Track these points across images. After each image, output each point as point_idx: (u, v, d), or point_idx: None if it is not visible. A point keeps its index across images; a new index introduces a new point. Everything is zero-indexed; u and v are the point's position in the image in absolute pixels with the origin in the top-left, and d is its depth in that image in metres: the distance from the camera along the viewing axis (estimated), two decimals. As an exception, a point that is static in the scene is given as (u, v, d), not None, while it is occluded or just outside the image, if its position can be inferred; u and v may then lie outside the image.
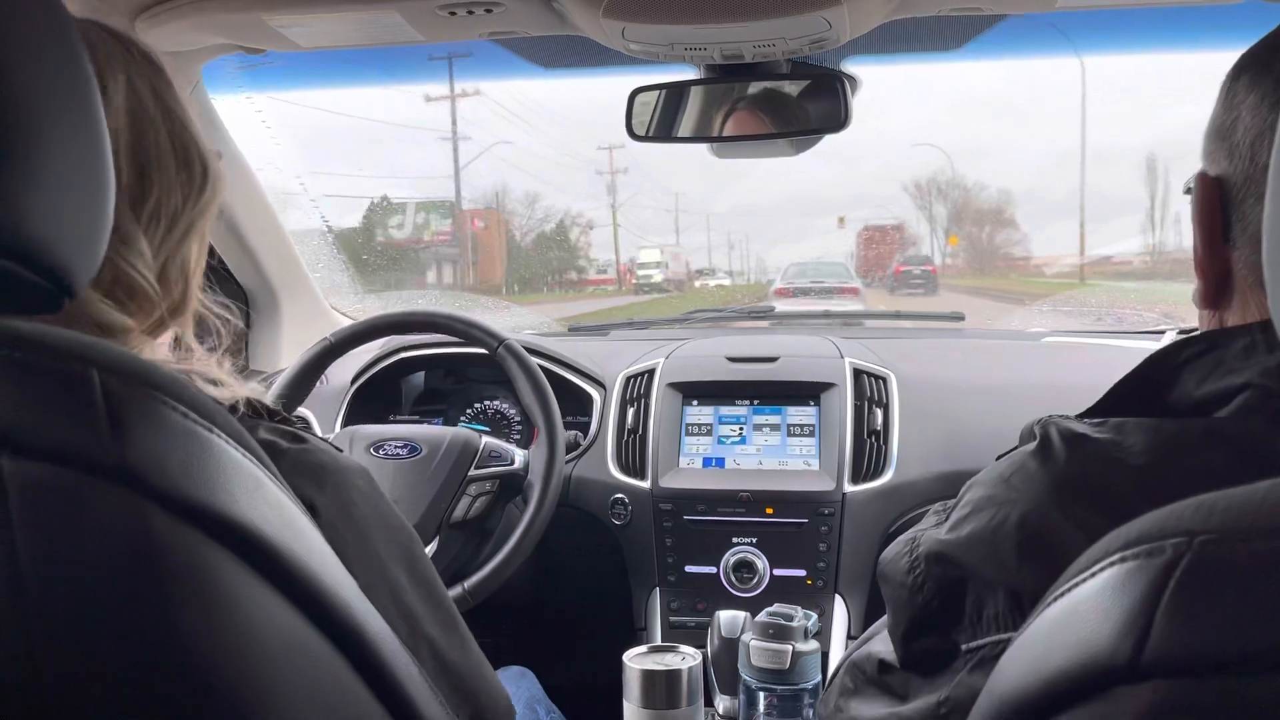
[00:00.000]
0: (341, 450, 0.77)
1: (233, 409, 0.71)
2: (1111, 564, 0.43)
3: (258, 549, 0.51)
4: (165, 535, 0.48)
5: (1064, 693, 0.42)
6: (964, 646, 0.68)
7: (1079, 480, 0.63)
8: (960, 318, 2.31)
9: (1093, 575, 0.44)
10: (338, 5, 1.16)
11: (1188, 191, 0.73)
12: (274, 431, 0.73)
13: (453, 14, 1.19)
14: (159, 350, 0.75)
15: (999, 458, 0.70)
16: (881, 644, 0.82)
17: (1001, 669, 0.49)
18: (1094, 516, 0.49)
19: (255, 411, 0.74)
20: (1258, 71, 0.64)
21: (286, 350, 1.98)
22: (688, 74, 1.50)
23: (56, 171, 0.53)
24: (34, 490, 0.45)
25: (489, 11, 1.18)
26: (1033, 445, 0.67)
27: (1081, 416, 0.67)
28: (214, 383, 0.73)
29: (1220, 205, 0.67)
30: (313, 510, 0.71)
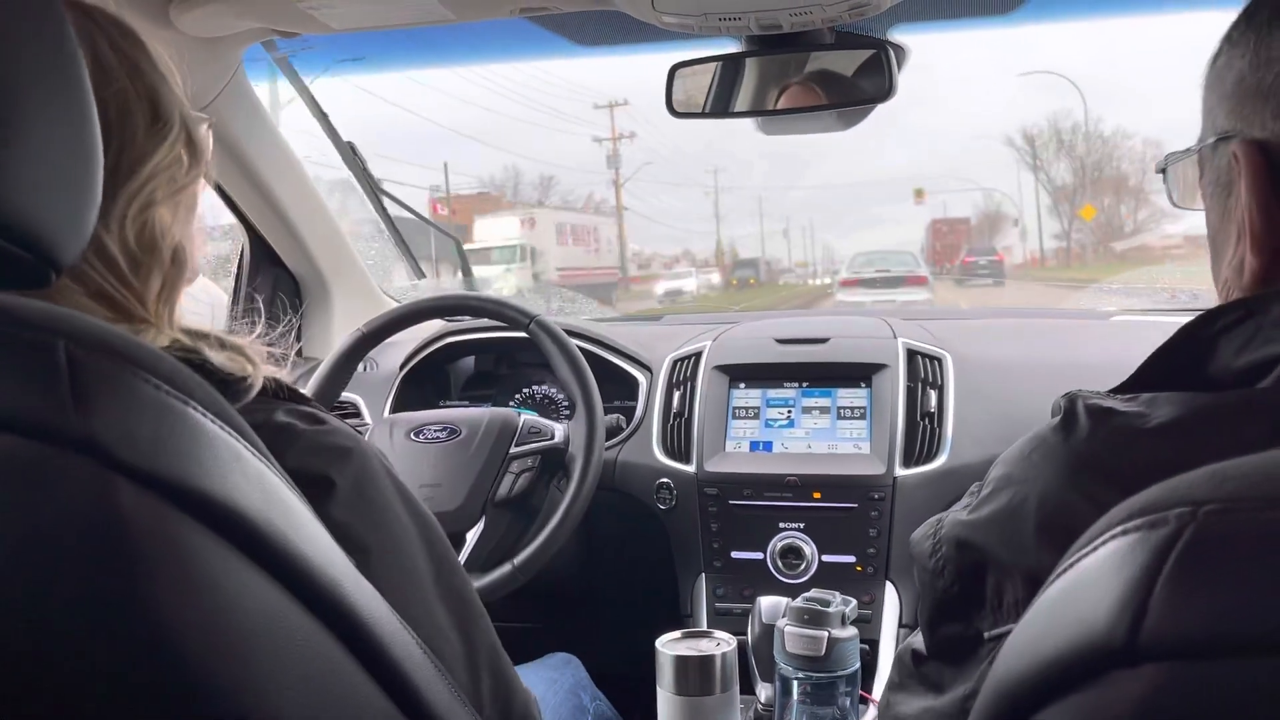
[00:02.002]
0: (367, 432, 0.77)
1: (248, 387, 0.70)
2: (1113, 536, 0.39)
3: (235, 524, 0.50)
4: (133, 508, 0.46)
5: (1059, 678, 0.38)
6: (986, 634, 0.65)
7: (1100, 457, 0.59)
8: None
9: (1093, 550, 0.40)
10: (364, -16, 1.16)
11: (1161, 170, 0.67)
12: (292, 413, 0.71)
13: (480, -11, 1.17)
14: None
15: None
16: (920, 634, 0.79)
17: (1003, 655, 0.45)
18: (1114, 496, 0.46)
19: (273, 394, 0.72)
20: None
21: (338, 336, 1.99)
22: (728, 48, 1.47)
23: (40, 143, 0.52)
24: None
25: (517, -14, 1.16)
26: (1057, 420, 0.63)
27: (1115, 391, 0.63)
28: (241, 354, 0.71)
29: (1270, 170, 0.60)
30: (330, 486, 0.69)
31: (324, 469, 0.70)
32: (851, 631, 1.05)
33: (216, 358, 0.68)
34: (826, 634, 1.02)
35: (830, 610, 1.04)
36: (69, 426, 0.45)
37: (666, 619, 1.61)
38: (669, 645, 1.08)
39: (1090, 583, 0.39)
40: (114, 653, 0.46)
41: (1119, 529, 0.39)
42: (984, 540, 0.64)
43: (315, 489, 0.68)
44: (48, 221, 0.53)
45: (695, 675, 1.07)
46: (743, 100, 1.55)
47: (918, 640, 0.78)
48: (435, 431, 1.49)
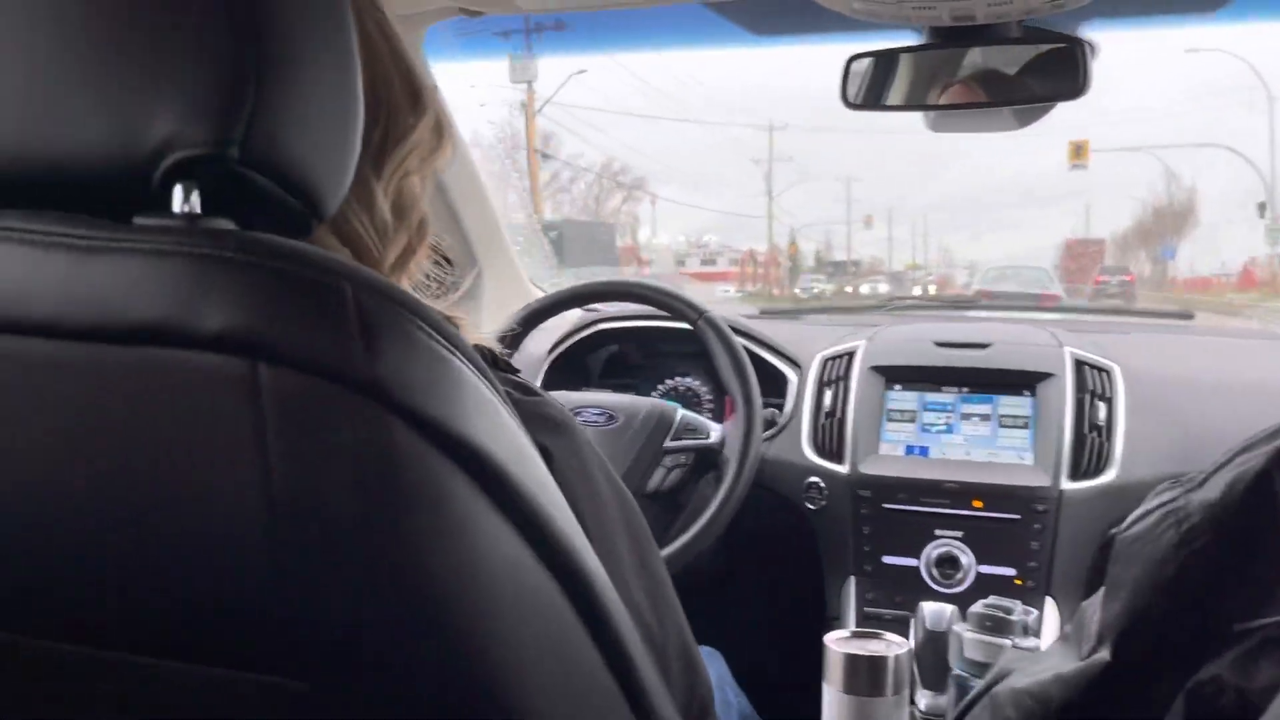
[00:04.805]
0: None
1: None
2: None
3: (490, 473, 0.50)
4: (406, 450, 0.47)
5: None
6: (1236, 628, 0.60)
7: None
8: (1189, 316, 2.14)
9: None
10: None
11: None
12: (507, 383, 0.72)
13: (672, -30, 1.16)
14: None
15: None
16: (1051, 683, 0.72)
17: None
18: None
19: (490, 362, 0.73)
20: None
21: (488, 319, 2.02)
22: (904, 40, 1.43)
23: (311, 94, 0.53)
24: (288, 399, 0.45)
25: (709, -33, 1.15)
26: None
27: None
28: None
29: None
30: (548, 456, 0.70)
31: (541, 439, 0.70)
32: (1034, 642, 1.01)
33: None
34: (1010, 642, 0.98)
35: (1013, 619, 1.00)
36: (356, 368, 0.46)
37: (812, 620, 1.59)
38: (839, 643, 1.06)
39: None
40: (376, 590, 0.47)
41: None
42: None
43: None
44: (316, 171, 0.55)
45: (865, 675, 1.04)
46: (916, 94, 1.51)
47: (1037, 686, 0.72)
48: (593, 415, 1.49)
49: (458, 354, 0.52)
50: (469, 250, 1.99)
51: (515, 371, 0.75)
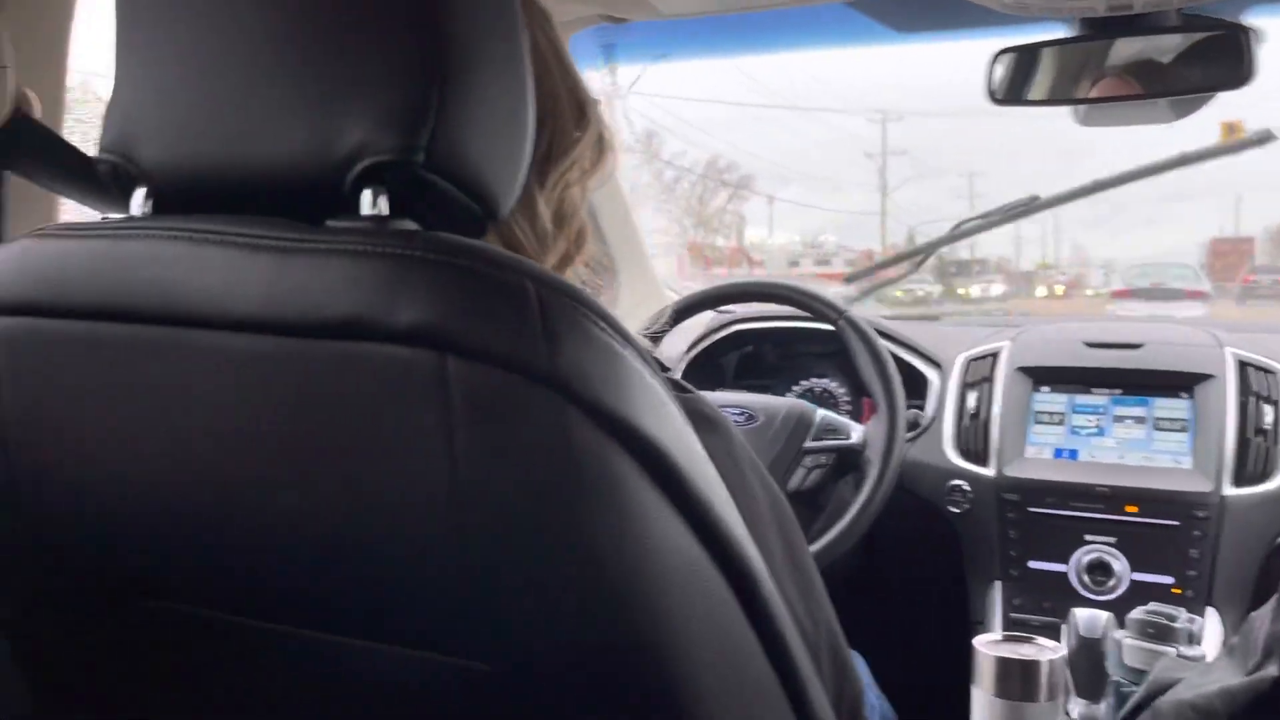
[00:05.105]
0: None
1: None
2: None
3: (662, 466, 0.52)
4: (586, 442, 0.49)
5: None
6: None
7: None
8: None
9: None
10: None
11: None
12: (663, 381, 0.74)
13: (817, -29, 1.17)
14: None
15: None
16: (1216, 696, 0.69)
17: None
18: None
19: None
20: None
21: (624, 321, 2.04)
22: (1054, 32, 1.39)
23: (488, 101, 0.56)
24: (474, 390, 0.48)
25: (854, -34, 1.15)
26: None
27: None
28: None
29: None
30: None
31: (698, 436, 0.71)
32: (1199, 651, 0.97)
33: None
34: (1175, 649, 0.95)
35: (1176, 626, 0.97)
36: (539, 362, 0.48)
37: (954, 625, 1.56)
38: (989, 646, 1.04)
39: None
40: (557, 579, 0.49)
41: None
42: None
43: None
44: (492, 175, 0.57)
45: (1017, 680, 1.01)
46: (1061, 86, 1.46)
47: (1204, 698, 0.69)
48: (734, 414, 1.50)
49: (631, 350, 0.53)
50: (610, 256, 2.02)
51: (667, 370, 0.77)
